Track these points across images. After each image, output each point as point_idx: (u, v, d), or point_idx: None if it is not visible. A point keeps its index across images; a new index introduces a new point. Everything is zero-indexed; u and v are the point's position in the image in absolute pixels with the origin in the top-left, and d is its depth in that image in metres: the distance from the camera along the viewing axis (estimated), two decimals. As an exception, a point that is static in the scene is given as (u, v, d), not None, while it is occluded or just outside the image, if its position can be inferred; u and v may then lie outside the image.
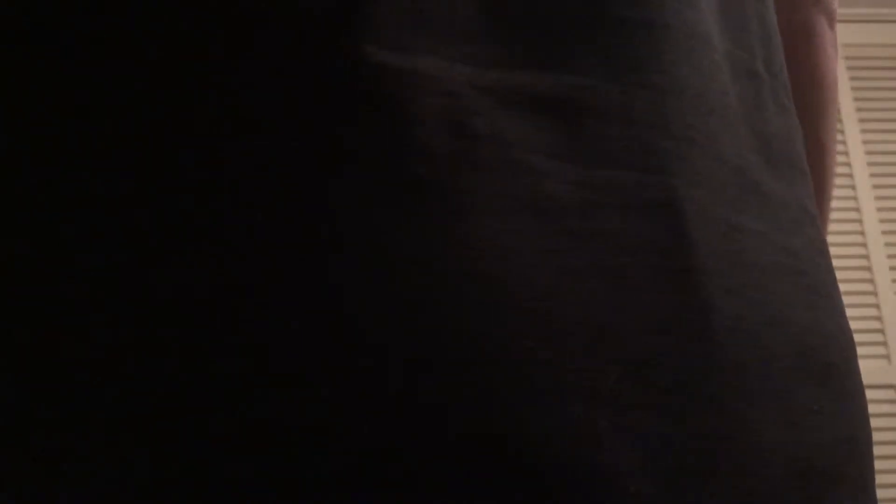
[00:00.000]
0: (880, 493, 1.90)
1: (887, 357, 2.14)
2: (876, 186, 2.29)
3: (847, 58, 2.37)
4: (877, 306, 2.17)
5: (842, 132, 2.33)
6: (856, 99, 2.37)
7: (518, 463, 0.22)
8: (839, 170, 2.28)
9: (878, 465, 1.65)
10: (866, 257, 2.21)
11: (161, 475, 0.22)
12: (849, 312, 0.36)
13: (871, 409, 0.98)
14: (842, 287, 0.38)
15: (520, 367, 0.23)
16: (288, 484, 0.21)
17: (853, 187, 2.28)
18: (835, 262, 0.33)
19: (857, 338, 0.57)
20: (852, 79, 2.37)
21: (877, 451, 1.36)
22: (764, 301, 0.27)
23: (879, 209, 2.27)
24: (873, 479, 0.30)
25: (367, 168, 0.23)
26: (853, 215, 2.25)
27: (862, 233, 2.24)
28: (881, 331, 2.15)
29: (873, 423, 0.34)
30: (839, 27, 0.47)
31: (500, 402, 0.22)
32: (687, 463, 0.24)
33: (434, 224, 0.23)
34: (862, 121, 2.35)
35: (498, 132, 0.25)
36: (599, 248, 0.25)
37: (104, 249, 0.23)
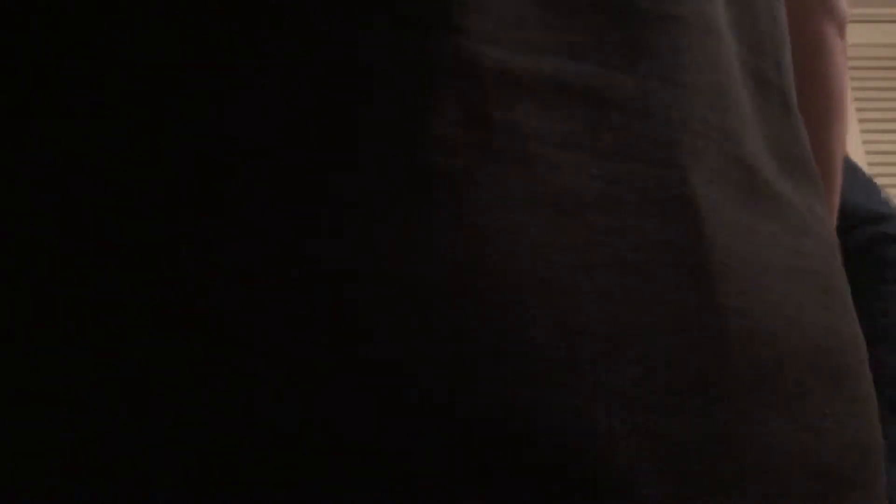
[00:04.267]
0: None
1: (887, 357, 2.14)
2: (876, 186, 2.30)
3: (847, 58, 2.38)
4: (876, 307, 2.17)
5: (842, 132, 2.33)
6: (856, 99, 2.37)
7: (530, 464, 0.22)
8: (839, 170, 2.28)
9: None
10: (866, 257, 2.21)
11: (155, 473, 0.21)
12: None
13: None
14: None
15: (534, 365, 0.22)
16: (291, 481, 0.21)
17: (853, 187, 2.28)
18: (836, 263, 0.33)
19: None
20: (852, 79, 2.38)
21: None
22: (778, 302, 0.27)
23: (879, 209, 2.27)
24: (883, 483, 0.30)
25: (378, 156, 0.23)
26: (853, 215, 2.25)
27: (862, 233, 2.24)
28: (881, 331, 2.16)
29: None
30: (840, 27, 0.47)
31: (512, 401, 0.22)
32: (701, 466, 0.24)
33: (444, 215, 0.23)
34: (862, 121, 2.35)
35: (516, 123, 0.24)
36: (619, 244, 0.24)
37: (98, 244, 0.23)
